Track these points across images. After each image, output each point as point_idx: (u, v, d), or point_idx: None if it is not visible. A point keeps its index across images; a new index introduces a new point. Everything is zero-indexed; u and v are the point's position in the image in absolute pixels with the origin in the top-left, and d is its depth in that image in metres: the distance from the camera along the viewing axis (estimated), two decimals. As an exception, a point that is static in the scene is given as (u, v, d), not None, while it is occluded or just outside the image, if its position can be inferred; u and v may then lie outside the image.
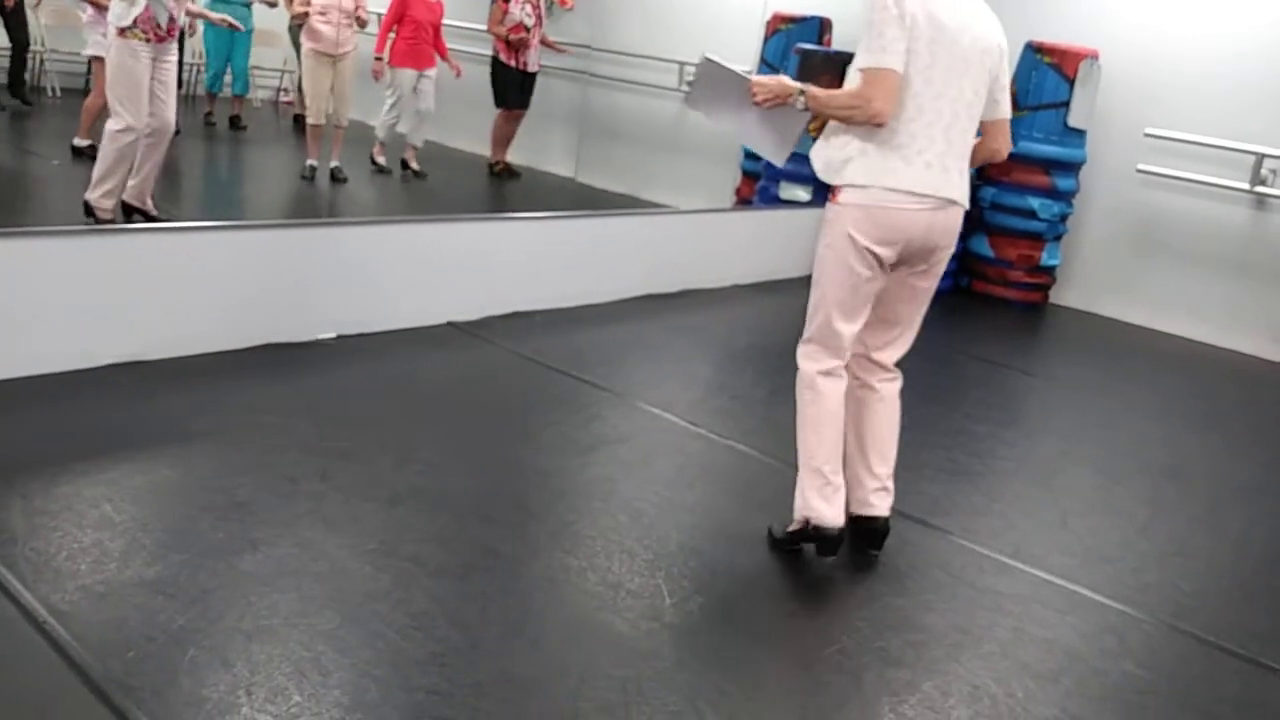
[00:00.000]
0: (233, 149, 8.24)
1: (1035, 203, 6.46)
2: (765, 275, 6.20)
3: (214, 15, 6.26)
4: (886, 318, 2.83)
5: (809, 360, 2.78)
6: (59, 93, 8.85)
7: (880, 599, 2.72)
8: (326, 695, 2.03)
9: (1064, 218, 6.64)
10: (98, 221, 4.64)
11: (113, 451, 2.94)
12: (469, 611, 2.38)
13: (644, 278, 5.46)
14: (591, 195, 8.40)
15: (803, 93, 2.64)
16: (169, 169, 5.56)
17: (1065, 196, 6.57)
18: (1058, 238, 6.71)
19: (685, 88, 2.89)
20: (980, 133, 2.76)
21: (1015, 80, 6.54)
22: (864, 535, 2.91)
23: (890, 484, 2.90)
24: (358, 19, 6.72)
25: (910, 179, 2.60)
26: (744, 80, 2.74)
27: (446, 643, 2.24)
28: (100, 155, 4.76)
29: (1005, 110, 2.78)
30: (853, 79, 2.62)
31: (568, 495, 3.11)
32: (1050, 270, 6.79)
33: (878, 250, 2.64)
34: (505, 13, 7.63)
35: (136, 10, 4.48)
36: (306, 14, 6.43)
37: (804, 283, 2.87)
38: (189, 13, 5.78)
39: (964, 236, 6.72)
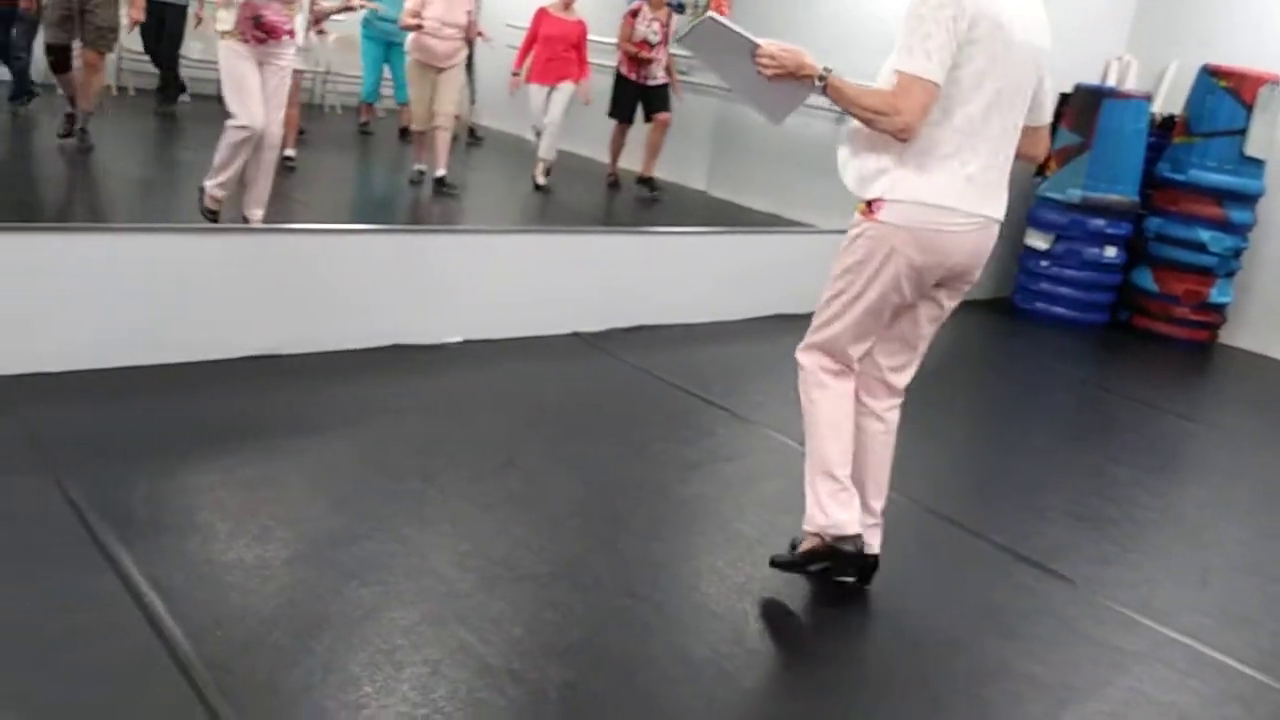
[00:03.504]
0: (391, 157, 8.52)
1: (1205, 235, 6.04)
2: (905, 300, 5.99)
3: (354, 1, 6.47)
4: (909, 339, 2.62)
5: (812, 359, 2.63)
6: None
7: (981, 644, 2.57)
8: (396, 689, 2.05)
9: (1237, 253, 6.18)
10: (204, 207, 4.49)
11: (233, 440, 3.08)
12: (546, 620, 2.37)
13: (774, 297, 5.36)
14: (735, 212, 8.35)
15: (823, 79, 2.36)
16: (315, 174, 5.72)
17: (1239, 230, 6.11)
18: (1230, 274, 6.25)
19: (683, 33, 2.66)
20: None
21: (1188, 105, 6.15)
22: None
23: (882, 518, 2.69)
24: (472, 32, 6.71)
25: (953, 195, 2.37)
26: (750, 44, 2.44)
27: (519, 648, 2.24)
28: (218, 147, 4.56)
29: (1047, 115, 2.58)
30: (886, 75, 2.34)
31: (665, 511, 3.08)
32: (1220, 308, 6.32)
33: (923, 274, 2.43)
34: (632, 28, 7.68)
35: (233, 14, 4.49)
36: (417, 26, 6.45)
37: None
38: (317, 12, 5.84)
39: (1126, 268, 6.37)
